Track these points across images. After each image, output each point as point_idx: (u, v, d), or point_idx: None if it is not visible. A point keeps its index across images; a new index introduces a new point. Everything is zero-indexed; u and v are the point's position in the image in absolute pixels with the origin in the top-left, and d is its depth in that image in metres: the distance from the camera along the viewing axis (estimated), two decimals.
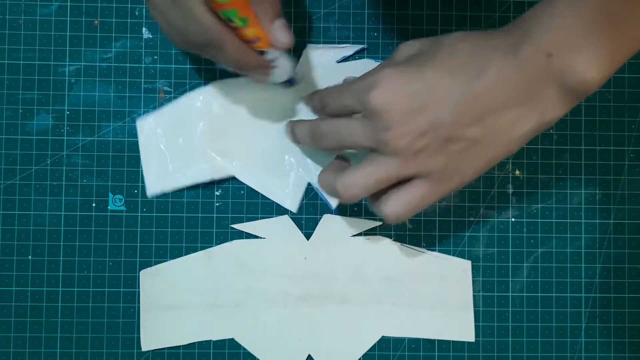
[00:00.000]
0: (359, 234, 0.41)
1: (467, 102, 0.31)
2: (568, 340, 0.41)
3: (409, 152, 0.31)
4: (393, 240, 0.41)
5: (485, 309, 0.41)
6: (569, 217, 0.42)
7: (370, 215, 0.41)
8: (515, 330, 0.41)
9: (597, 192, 0.42)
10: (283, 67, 0.36)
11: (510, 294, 0.41)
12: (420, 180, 0.33)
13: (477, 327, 0.41)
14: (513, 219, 0.42)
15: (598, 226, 0.42)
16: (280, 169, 0.41)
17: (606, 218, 0.42)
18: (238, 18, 0.32)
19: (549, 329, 0.41)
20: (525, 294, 0.41)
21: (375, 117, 0.31)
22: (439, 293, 0.41)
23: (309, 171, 0.41)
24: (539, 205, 0.42)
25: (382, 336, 0.41)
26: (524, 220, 0.42)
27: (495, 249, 0.41)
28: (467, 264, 0.41)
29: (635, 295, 0.42)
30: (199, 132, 0.41)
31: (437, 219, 0.41)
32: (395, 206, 0.33)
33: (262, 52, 0.34)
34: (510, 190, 0.42)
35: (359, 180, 0.33)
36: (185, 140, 0.41)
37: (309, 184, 0.41)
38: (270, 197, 0.41)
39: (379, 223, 0.41)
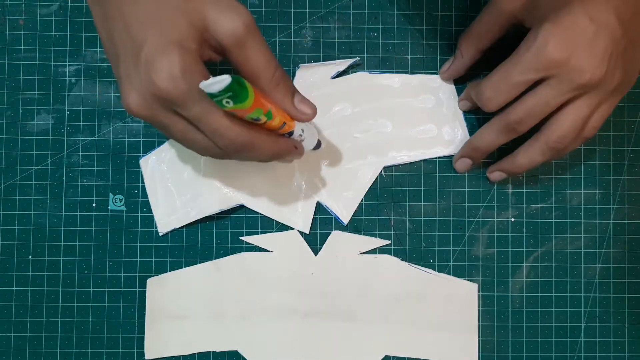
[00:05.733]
0: (367, 252, 0.41)
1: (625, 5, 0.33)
2: (568, 340, 0.41)
3: (605, 77, 0.34)
4: (401, 259, 0.41)
5: (485, 309, 0.41)
6: (569, 217, 0.42)
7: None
8: (515, 330, 0.41)
9: (597, 192, 0.42)
10: (311, 135, 0.36)
11: (510, 294, 0.41)
12: (609, 96, 0.36)
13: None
14: (513, 219, 0.42)
15: (598, 226, 0.42)
16: (288, 192, 0.41)
17: (606, 218, 0.42)
18: (263, 115, 0.31)
19: (548, 329, 0.41)
20: (525, 294, 0.41)
21: (564, 68, 0.33)
22: (444, 315, 0.41)
23: (317, 191, 0.41)
24: (539, 205, 0.42)
25: (386, 355, 0.41)
26: (524, 220, 0.42)
27: (495, 249, 0.41)
28: (473, 287, 0.41)
29: (635, 295, 0.42)
30: (203, 163, 0.40)
31: (436, 219, 0.41)
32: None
33: (290, 134, 0.34)
34: (510, 190, 0.42)
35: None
36: (190, 174, 0.40)
37: (318, 202, 0.41)
38: (281, 221, 0.41)
39: (388, 242, 0.41)
